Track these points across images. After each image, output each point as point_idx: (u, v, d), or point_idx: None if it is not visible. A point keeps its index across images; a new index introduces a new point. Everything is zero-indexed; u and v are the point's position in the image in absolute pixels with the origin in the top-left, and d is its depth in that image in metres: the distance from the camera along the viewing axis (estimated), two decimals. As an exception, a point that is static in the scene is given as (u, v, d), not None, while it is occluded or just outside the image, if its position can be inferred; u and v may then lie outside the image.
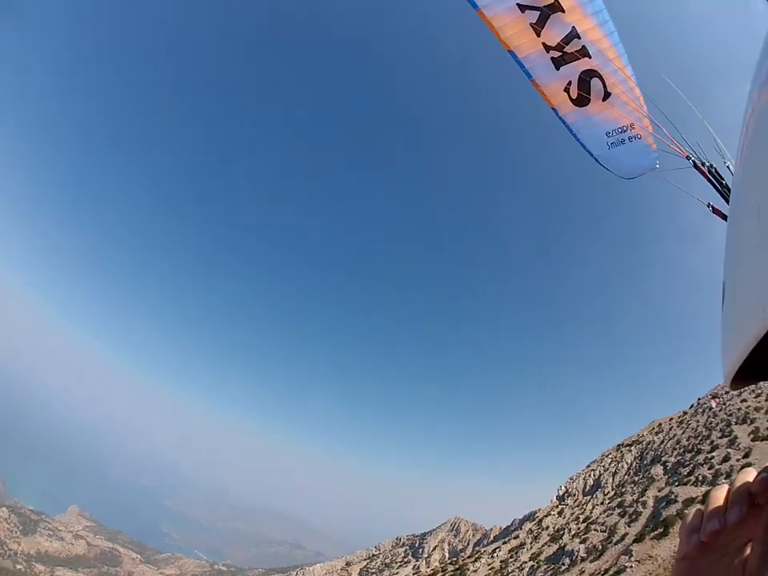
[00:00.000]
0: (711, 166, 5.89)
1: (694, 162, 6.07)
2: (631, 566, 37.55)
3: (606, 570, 40.22)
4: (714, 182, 5.84)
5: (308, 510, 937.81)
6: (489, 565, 51.17)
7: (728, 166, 5.72)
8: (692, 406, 69.33)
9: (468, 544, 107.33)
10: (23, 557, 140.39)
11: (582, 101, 6.94)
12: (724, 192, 5.75)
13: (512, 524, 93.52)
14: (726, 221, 4.43)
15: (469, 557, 55.20)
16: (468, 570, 50.90)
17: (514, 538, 56.29)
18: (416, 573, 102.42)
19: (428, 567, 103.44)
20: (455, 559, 57.42)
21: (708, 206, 5.99)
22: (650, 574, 36.43)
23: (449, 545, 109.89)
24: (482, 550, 56.39)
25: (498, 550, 54.06)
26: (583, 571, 43.07)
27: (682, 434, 61.77)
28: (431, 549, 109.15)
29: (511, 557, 51.32)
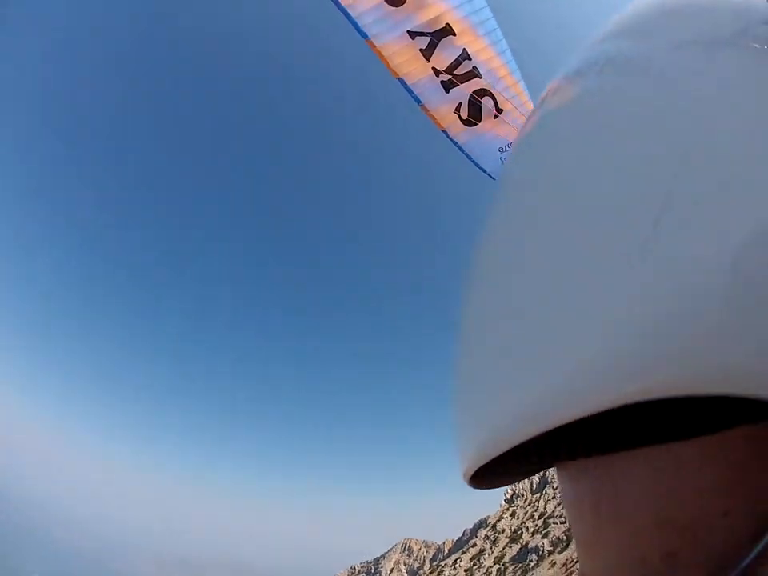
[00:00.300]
0: None
1: None
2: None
3: (580, 557, 42.91)
4: None
5: (254, 553, 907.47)
6: (453, 576, 52.66)
7: None
8: None
9: (424, 561, 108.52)
10: None
11: (472, 121, 7.13)
12: None
13: (463, 534, 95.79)
14: None
15: (430, 572, 56.26)
16: (433, 582, 52.03)
17: (472, 547, 57.85)
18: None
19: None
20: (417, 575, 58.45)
21: None
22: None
23: (405, 565, 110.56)
24: (443, 563, 57.69)
25: (458, 560, 55.54)
26: (554, 563, 44.83)
27: None
28: (389, 572, 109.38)
29: (474, 564, 52.87)
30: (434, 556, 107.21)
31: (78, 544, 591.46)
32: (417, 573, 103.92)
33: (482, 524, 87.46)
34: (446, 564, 55.52)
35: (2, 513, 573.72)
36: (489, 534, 59.47)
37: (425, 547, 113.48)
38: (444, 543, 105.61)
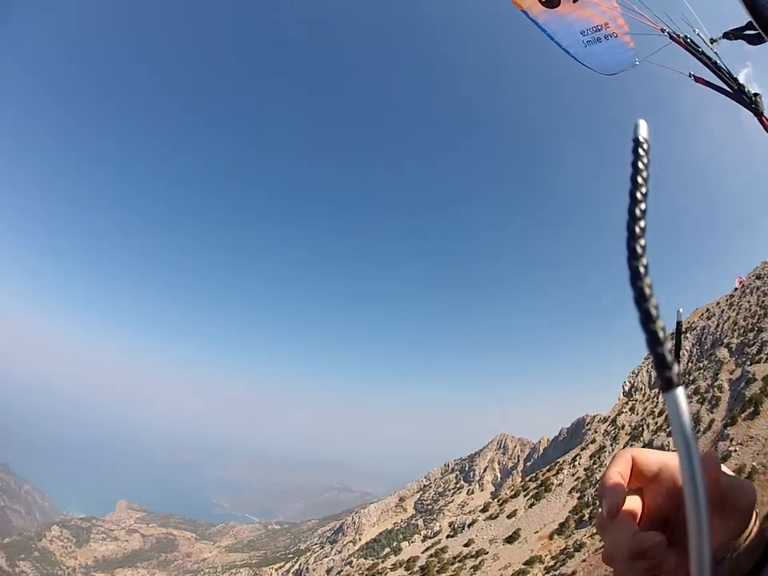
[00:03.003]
0: (686, 37, 5.76)
1: (669, 33, 5.88)
2: (735, 450, 36.58)
3: (707, 460, 38.73)
4: (692, 51, 5.72)
5: (346, 451, 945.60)
6: (573, 475, 49.90)
7: (698, 34, 5.72)
8: (736, 288, 68.78)
9: (518, 460, 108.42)
10: (82, 570, 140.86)
11: (551, 2, 6.66)
12: (702, 59, 5.63)
13: (560, 433, 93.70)
14: (710, 87, 5.44)
15: (547, 470, 53.77)
16: (552, 483, 49.56)
17: (591, 443, 54.87)
18: (471, 496, 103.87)
19: (481, 489, 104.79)
20: (534, 474, 56.10)
21: (690, 76, 5.88)
22: (756, 454, 35.32)
23: (498, 464, 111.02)
24: (561, 460, 55.05)
25: (577, 458, 52.63)
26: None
27: (737, 315, 61.45)
28: (482, 471, 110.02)
29: (594, 463, 50.02)
30: (528, 455, 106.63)
31: (178, 459, 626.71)
32: (510, 473, 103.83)
33: (580, 423, 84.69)
34: (564, 461, 52.68)
35: (105, 439, 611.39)
36: (608, 429, 55.76)
37: (520, 445, 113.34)
38: (539, 442, 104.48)
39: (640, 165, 1.48)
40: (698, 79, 5.86)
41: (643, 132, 1.49)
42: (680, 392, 1.49)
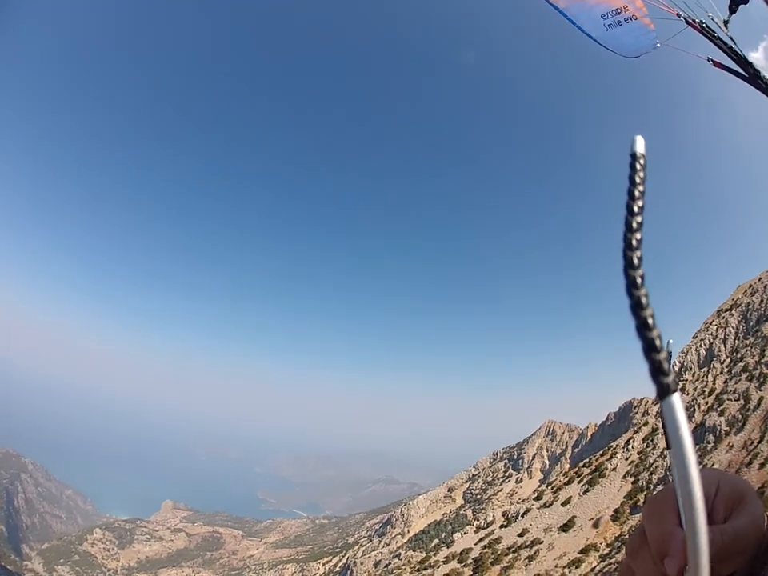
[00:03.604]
0: (702, 22, 5.66)
1: (684, 18, 5.84)
2: (787, 427, 35.21)
3: (762, 437, 37.69)
4: (708, 35, 5.64)
5: (391, 442, 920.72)
6: (626, 459, 48.94)
7: (712, 19, 5.64)
8: None
9: (566, 447, 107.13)
10: (123, 571, 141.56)
11: None
12: (718, 44, 5.52)
13: (607, 418, 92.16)
14: (727, 72, 5.30)
15: (601, 455, 52.85)
16: (606, 468, 48.69)
17: (644, 425, 53.72)
18: (519, 484, 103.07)
19: (530, 477, 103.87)
20: (588, 460, 55.20)
21: (708, 60, 5.78)
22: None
23: (547, 451, 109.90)
24: (614, 444, 54.05)
25: (630, 441, 51.61)
26: (731, 445, 40.75)
27: None
28: (531, 458, 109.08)
29: (647, 446, 49.00)
30: (576, 441, 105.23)
31: (223, 457, 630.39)
32: (559, 459, 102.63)
33: (627, 407, 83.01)
34: (617, 445, 51.89)
35: (149, 440, 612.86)
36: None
37: (568, 431, 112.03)
38: (587, 428, 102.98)
39: (637, 179, 1.53)
40: (716, 64, 5.82)
41: (640, 147, 1.53)
42: (676, 398, 1.51)
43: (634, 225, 1.53)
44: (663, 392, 1.52)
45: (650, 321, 1.52)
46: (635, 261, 1.53)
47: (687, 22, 5.88)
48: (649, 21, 6.37)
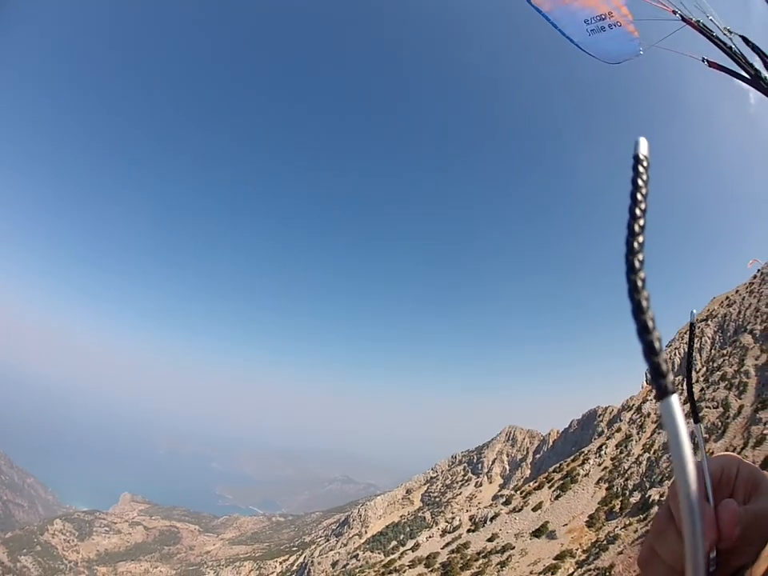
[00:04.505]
0: (698, 21, 5.51)
1: (681, 16, 5.71)
2: (768, 433, 35.07)
3: (745, 444, 37.15)
4: (706, 34, 5.48)
5: (349, 442, 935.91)
6: (599, 465, 48.03)
7: (711, 19, 5.46)
8: (755, 276, 68.88)
9: (527, 453, 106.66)
10: (84, 564, 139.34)
11: None
12: (716, 42, 5.32)
13: (570, 425, 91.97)
14: (724, 72, 5.08)
15: (572, 461, 51.85)
16: (578, 474, 47.63)
17: (617, 432, 53.09)
18: (479, 488, 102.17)
19: (490, 482, 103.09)
20: (558, 465, 54.20)
21: (703, 61, 5.64)
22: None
23: (507, 456, 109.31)
24: (586, 450, 53.19)
25: (603, 447, 50.73)
26: (711, 452, 39.95)
27: (758, 302, 61.22)
28: (490, 463, 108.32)
29: (621, 452, 48.18)
30: (537, 447, 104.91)
31: (182, 451, 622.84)
32: (519, 465, 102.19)
33: (591, 415, 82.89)
34: (589, 451, 51.02)
35: (110, 431, 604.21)
36: (634, 417, 54.33)
37: (529, 437, 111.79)
38: (548, 434, 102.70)
39: (639, 182, 1.51)
40: (711, 64, 5.70)
41: (643, 149, 1.51)
42: (674, 399, 1.54)
43: (636, 228, 1.51)
44: (662, 393, 1.54)
45: (651, 324, 1.52)
46: (637, 264, 1.52)
47: (684, 19, 5.77)
48: (633, 28, 6.27)
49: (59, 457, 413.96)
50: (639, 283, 1.49)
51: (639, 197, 1.48)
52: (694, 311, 1.55)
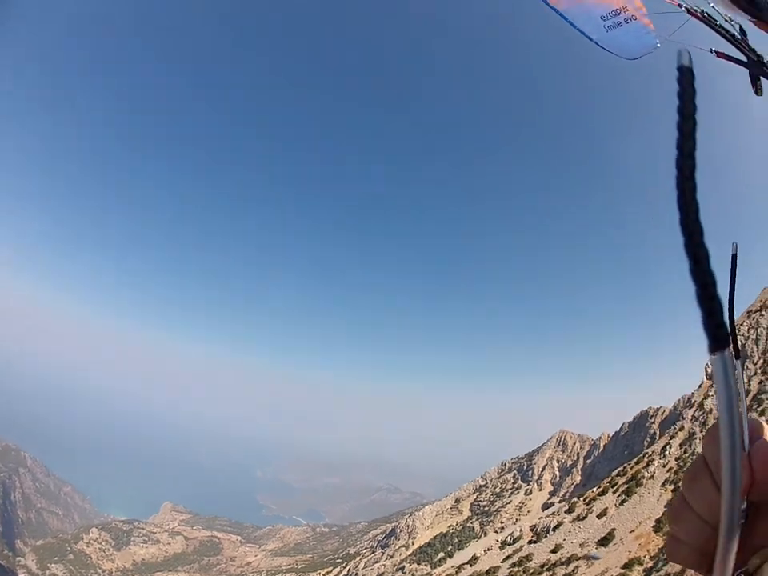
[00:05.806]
0: (703, 11, 5.45)
1: (686, 8, 5.66)
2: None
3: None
4: (710, 24, 5.42)
5: (395, 451, 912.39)
6: (664, 466, 46.25)
7: (713, 7, 5.28)
8: None
9: (577, 458, 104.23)
10: (119, 573, 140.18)
11: None
12: (721, 32, 5.29)
13: (621, 428, 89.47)
14: (732, 62, 5.10)
15: (636, 462, 50.23)
16: (643, 477, 45.97)
17: (680, 430, 51.14)
18: (528, 496, 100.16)
19: (540, 489, 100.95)
20: (622, 468, 52.58)
21: (711, 52, 5.54)
22: None
23: (558, 462, 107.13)
24: (650, 451, 51.54)
25: (667, 447, 48.96)
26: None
27: None
28: (541, 469, 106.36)
29: (685, 452, 46.44)
30: (588, 452, 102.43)
31: (224, 460, 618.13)
32: (570, 471, 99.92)
33: (643, 416, 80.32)
34: (653, 452, 49.45)
35: (150, 440, 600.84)
36: (696, 414, 52.13)
37: (579, 441, 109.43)
38: (599, 438, 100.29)
39: (686, 95, 1.36)
40: (719, 54, 5.66)
41: (686, 60, 1.36)
42: (728, 353, 1.35)
43: (687, 149, 1.35)
44: (716, 344, 1.35)
45: (705, 260, 1.35)
46: (689, 190, 1.36)
47: (689, 11, 5.77)
48: (648, 21, 6.32)
49: (99, 465, 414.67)
50: (693, 211, 1.32)
51: (687, 112, 1.32)
52: (736, 243, 1.34)
